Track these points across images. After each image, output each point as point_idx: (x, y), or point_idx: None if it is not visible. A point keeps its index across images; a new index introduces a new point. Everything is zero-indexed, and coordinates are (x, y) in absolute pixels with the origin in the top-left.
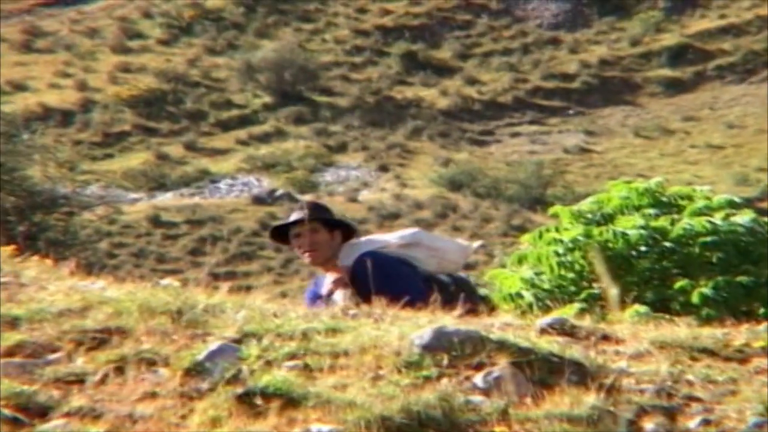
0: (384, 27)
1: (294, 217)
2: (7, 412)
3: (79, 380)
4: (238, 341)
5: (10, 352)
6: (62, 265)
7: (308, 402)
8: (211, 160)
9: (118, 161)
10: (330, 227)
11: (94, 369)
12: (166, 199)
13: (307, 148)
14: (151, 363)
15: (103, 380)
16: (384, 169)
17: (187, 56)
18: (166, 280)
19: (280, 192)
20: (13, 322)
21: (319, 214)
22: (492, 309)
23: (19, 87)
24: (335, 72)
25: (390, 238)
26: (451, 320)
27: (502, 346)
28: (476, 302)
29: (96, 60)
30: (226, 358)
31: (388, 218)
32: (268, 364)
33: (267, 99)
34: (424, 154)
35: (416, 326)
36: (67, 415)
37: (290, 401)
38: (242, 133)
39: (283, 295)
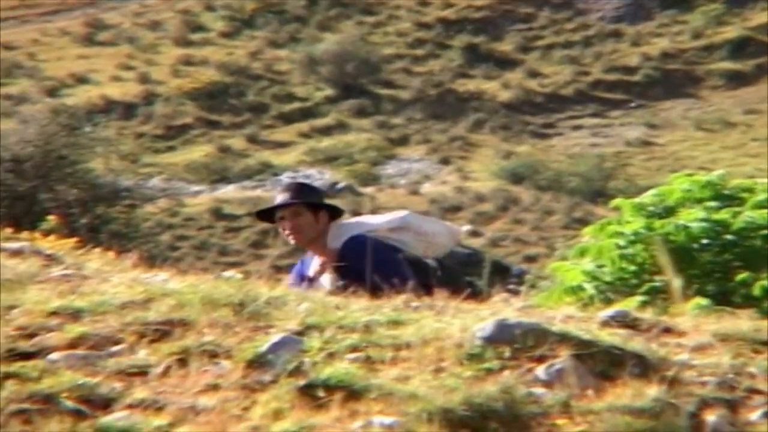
0: (446, 20)
1: (279, 199)
2: (69, 404)
3: (142, 372)
4: (301, 333)
5: (73, 344)
6: (125, 258)
7: (370, 394)
8: (273, 153)
9: (180, 154)
10: (314, 209)
11: (156, 361)
12: (228, 191)
13: (369, 140)
14: (213, 355)
15: (165, 372)
16: (446, 161)
17: (249, 49)
18: (229, 273)
19: (341, 185)
20: (76, 315)
21: (303, 197)
22: (477, 294)
23: (82, 80)
24: (397, 65)
25: (378, 222)
26: (513, 312)
27: (563, 338)
28: (461, 287)
29: (158, 53)
30: (289, 350)
31: (450, 211)
32: (330, 356)
33: (329, 92)
34: (485, 146)
35: (478, 318)
36: (130, 407)
37: (352, 393)
38: (304, 126)
39: (345, 286)
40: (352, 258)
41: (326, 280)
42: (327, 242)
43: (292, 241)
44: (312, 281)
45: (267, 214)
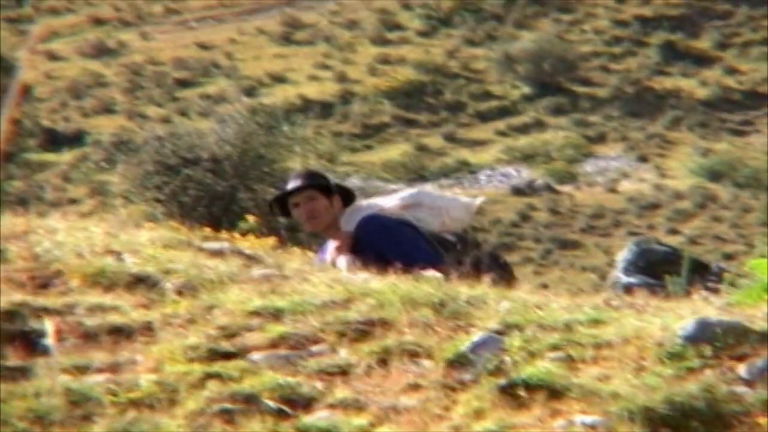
0: (643, 17)
1: (291, 185)
2: (271, 403)
3: (343, 372)
4: (501, 332)
5: (274, 344)
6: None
7: (571, 393)
8: (470, 151)
9: (378, 153)
10: (328, 193)
11: (357, 360)
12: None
13: (567, 138)
14: (414, 354)
15: (366, 372)
16: (643, 159)
17: (446, 47)
18: (429, 272)
19: (539, 183)
20: (277, 314)
21: (315, 181)
22: (510, 275)
23: (279, 79)
24: (594, 62)
25: (391, 201)
26: (714, 311)
27: (765, 336)
28: (493, 263)
29: (355, 52)
30: (489, 349)
31: (648, 208)
32: (531, 355)
33: (526, 90)
34: (683, 144)
35: (678, 317)
36: (331, 406)
37: (553, 392)
38: (501, 124)
39: (544, 286)
40: (367, 238)
41: (342, 262)
42: (341, 226)
43: (309, 227)
44: (330, 265)
45: (281, 205)
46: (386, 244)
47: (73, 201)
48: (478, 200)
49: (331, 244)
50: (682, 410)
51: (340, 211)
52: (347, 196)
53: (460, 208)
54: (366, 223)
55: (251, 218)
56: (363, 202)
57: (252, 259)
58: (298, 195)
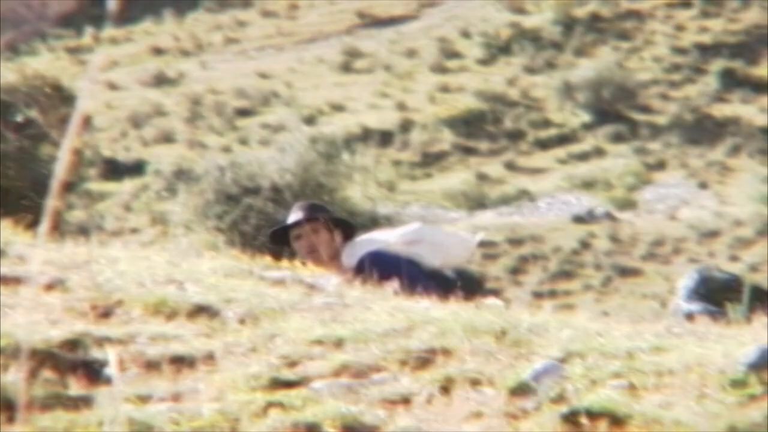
0: (702, 44)
1: (293, 218)
2: None
3: (405, 400)
4: (563, 360)
5: (336, 373)
6: (386, 286)
7: (633, 421)
8: (530, 179)
9: (438, 181)
10: (329, 227)
11: (419, 389)
12: (485, 218)
13: (626, 166)
14: (475, 382)
15: (428, 400)
16: (703, 186)
17: (505, 75)
18: (490, 300)
19: (600, 211)
20: (339, 343)
21: (317, 214)
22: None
23: (339, 108)
24: (653, 90)
25: (392, 236)
26: None
27: None
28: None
29: (414, 80)
30: (551, 377)
31: (708, 236)
32: (593, 383)
33: (585, 117)
34: (743, 171)
35: (740, 344)
36: None
37: (615, 420)
38: (561, 152)
39: (605, 313)
40: (370, 273)
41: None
42: (343, 260)
43: (309, 261)
44: None
45: (281, 236)
46: (389, 280)
47: (134, 230)
48: (477, 237)
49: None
50: None
51: (342, 245)
52: (348, 230)
53: (460, 245)
54: (370, 258)
55: None
56: (364, 237)
57: (313, 288)
58: (300, 228)
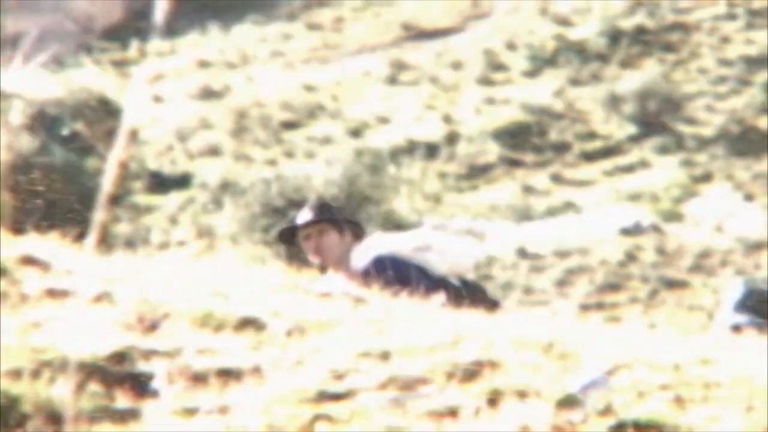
0: (748, 56)
1: (302, 218)
2: None
3: (452, 413)
4: (610, 372)
5: (383, 386)
6: (432, 299)
7: None
8: (576, 191)
9: (484, 193)
10: (339, 228)
11: (466, 401)
12: (531, 230)
13: (673, 178)
14: (523, 395)
15: (475, 413)
16: (749, 198)
17: (551, 88)
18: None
19: (646, 223)
20: (385, 356)
21: (327, 215)
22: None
23: (385, 120)
24: (699, 102)
25: (401, 241)
26: None
27: None
28: (492, 305)
29: (460, 92)
30: (598, 389)
31: (754, 248)
32: (640, 395)
33: (631, 129)
34: None
35: None
36: None
37: None
38: (607, 164)
39: (652, 325)
40: (379, 277)
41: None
42: (352, 261)
43: (318, 262)
44: None
45: (290, 236)
46: (398, 284)
47: (181, 243)
48: (483, 245)
49: (340, 280)
50: None
51: (350, 247)
52: (358, 232)
53: (466, 253)
54: (380, 261)
55: None
56: (373, 239)
57: (360, 301)
58: (309, 228)
